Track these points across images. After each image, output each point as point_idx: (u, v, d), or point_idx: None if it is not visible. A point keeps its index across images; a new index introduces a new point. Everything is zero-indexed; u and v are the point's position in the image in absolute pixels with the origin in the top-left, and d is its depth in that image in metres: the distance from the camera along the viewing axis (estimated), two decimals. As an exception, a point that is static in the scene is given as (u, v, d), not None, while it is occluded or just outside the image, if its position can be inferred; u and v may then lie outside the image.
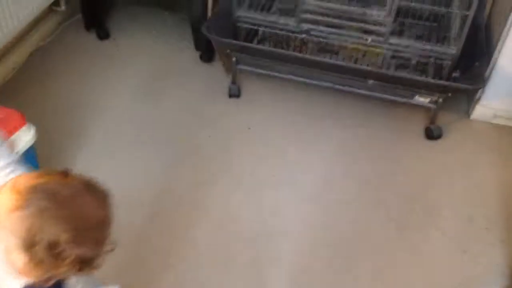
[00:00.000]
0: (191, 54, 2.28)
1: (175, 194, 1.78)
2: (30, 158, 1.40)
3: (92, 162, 1.81)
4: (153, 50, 2.31)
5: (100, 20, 2.36)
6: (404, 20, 1.99)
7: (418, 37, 1.97)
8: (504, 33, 1.84)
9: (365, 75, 1.89)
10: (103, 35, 2.35)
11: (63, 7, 2.30)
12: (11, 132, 1.35)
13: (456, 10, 1.86)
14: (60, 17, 2.36)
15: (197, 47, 2.27)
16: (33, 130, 1.41)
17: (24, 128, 1.38)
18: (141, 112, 2.04)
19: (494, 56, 1.90)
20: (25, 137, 1.38)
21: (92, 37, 2.35)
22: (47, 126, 1.81)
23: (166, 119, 2.03)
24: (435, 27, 2.08)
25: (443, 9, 1.89)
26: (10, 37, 2.00)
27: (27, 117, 1.45)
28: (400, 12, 1.91)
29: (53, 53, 2.26)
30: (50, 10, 2.29)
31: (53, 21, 2.34)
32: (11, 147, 1.32)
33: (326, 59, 1.95)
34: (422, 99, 1.92)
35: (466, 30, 1.70)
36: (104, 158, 1.85)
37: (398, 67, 2.04)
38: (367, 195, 1.81)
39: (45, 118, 1.90)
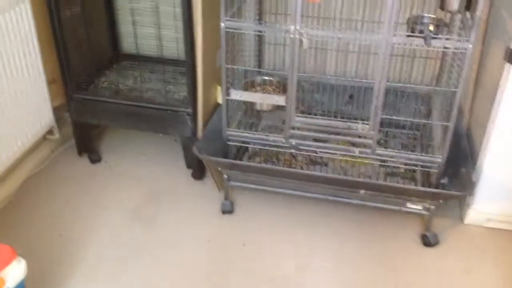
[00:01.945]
0: (183, 173, 2.31)
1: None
2: (20, 293, 1.35)
3: (83, 291, 1.75)
4: (145, 171, 2.35)
5: (92, 144, 2.42)
6: (387, 129, 2.08)
7: (404, 146, 2.04)
8: (485, 139, 1.91)
9: (355, 186, 1.92)
10: (95, 158, 2.39)
11: (56, 135, 2.37)
12: (0, 267, 1.31)
13: (436, 122, 1.94)
14: (54, 144, 2.42)
15: (189, 165, 2.31)
16: (24, 264, 1.38)
17: (14, 262, 1.35)
18: (135, 235, 2.02)
19: (479, 161, 1.95)
20: (16, 271, 1.34)
21: (84, 161, 2.39)
22: (38, 256, 1.77)
23: (161, 240, 2.00)
24: (417, 136, 2.17)
25: (423, 121, 1.97)
26: (3, 168, 2.03)
27: (18, 248, 1.43)
28: (383, 123, 2.00)
29: (45, 180, 2.28)
30: (44, 138, 2.35)
31: (46, 148, 2.39)
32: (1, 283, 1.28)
33: (316, 172, 1.99)
34: (414, 206, 1.94)
35: (448, 140, 1.77)
36: (98, 284, 1.79)
37: (388, 175, 2.08)
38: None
39: (37, 247, 1.87)
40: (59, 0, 2.06)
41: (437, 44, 1.62)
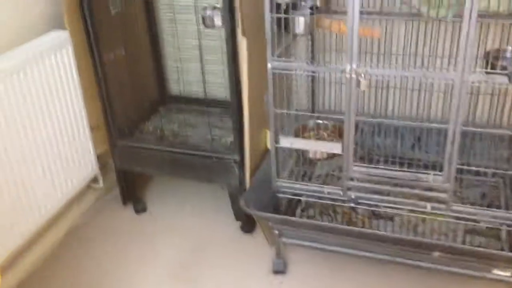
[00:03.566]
0: (231, 226, 2.11)
1: None
2: None
3: None
4: (191, 223, 2.17)
5: (136, 194, 2.29)
6: (462, 176, 1.78)
7: (484, 197, 1.73)
8: None
9: (428, 247, 1.63)
10: (140, 209, 2.25)
11: (101, 184, 2.26)
12: None
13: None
14: (98, 193, 2.31)
15: (237, 217, 2.11)
16: None
17: None
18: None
19: None
20: None
21: (129, 211, 2.26)
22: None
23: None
24: (499, 184, 1.85)
25: (507, 172, 1.66)
26: (46, 219, 1.93)
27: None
28: (458, 169, 1.71)
29: (89, 231, 2.16)
30: (88, 187, 2.25)
31: (90, 197, 2.28)
32: None
33: (379, 231, 1.72)
34: (502, 273, 1.61)
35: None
36: None
37: (467, 232, 1.77)
38: None
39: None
40: (101, 43, 1.97)
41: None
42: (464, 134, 1.77)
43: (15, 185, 1.77)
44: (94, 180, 2.25)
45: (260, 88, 1.89)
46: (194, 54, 2.25)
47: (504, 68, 1.38)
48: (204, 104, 2.22)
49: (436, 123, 1.77)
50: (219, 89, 2.27)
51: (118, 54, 2.10)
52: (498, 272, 1.61)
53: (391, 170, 1.65)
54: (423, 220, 1.79)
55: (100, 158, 2.24)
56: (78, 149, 2.08)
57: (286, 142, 1.73)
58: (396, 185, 1.65)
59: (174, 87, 2.42)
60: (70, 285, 1.90)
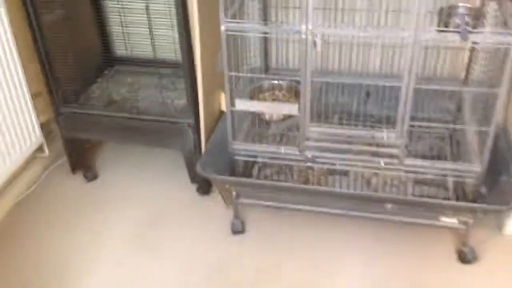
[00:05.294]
0: (187, 190, 2.10)
1: None
2: None
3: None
4: (145, 189, 2.13)
5: (86, 162, 2.21)
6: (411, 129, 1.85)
7: (432, 150, 1.81)
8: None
9: (381, 200, 1.70)
10: (91, 176, 2.18)
11: (47, 153, 2.15)
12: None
13: (472, 127, 1.71)
14: (45, 163, 2.21)
15: (193, 180, 2.09)
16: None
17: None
18: (137, 266, 1.81)
19: (520, 165, 1.72)
20: None
21: (79, 179, 2.18)
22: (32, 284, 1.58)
23: (165, 270, 1.79)
24: (445, 135, 1.94)
25: (456, 126, 1.74)
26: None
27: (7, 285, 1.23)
28: (411, 131, 1.76)
29: (37, 202, 2.08)
30: (34, 157, 2.14)
31: (37, 168, 2.18)
32: None
33: (335, 189, 1.77)
34: (449, 220, 1.72)
35: (488, 148, 1.54)
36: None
37: (417, 183, 1.85)
38: None
39: (29, 283, 1.68)
40: (37, 2, 1.83)
41: (477, 39, 1.38)
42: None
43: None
44: (40, 149, 2.14)
45: (213, 49, 1.84)
46: (141, 13, 2.14)
47: (456, 25, 1.41)
48: (153, 65, 2.14)
49: (389, 79, 1.80)
50: (170, 50, 2.18)
51: (58, 14, 1.96)
52: (446, 220, 1.71)
53: (346, 129, 1.68)
54: (376, 174, 1.85)
55: (45, 126, 2.13)
56: (19, 118, 1.97)
57: (242, 104, 1.71)
58: (351, 143, 1.69)
59: (121, 49, 2.31)
60: (18, 259, 1.84)
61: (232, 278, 1.76)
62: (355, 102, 1.92)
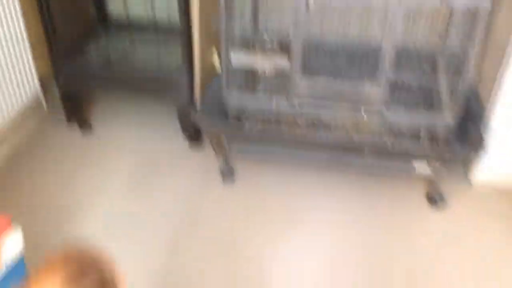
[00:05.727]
0: (178, 140, 2.21)
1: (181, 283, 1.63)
2: (19, 265, 1.26)
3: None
4: (138, 142, 2.24)
5: (81, 114, 2.30)
6: (394, 94, 2.00)
7: (410, 108, 1.96)
8: (494, 95, 1.85)
9: (360, 146, 1.85)
10: (86, 130, 2.28)
11: (44, 105, 2.24)
12: (-3, 239, 1.21)
13: (445, 81, 1.87)
14: (41, 115, 2.29)
15: (185, 131, 2.21)
16: (20, 234, 1.28)
17: (10, 232, 1.25)
18: (131, 210, 1.92)
19: (488, 118, 1.90)
20: (13, 243, 1.25)
21: (74, 133, 2.27)
22: (32, 227, 1.67)
23: (159, 213, 1.91)
24: (422, 98, 2.10)
25: (432, 83, 1.90)
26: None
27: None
28: (392, 87, 1.91)
29: (34, 152, 2.16)
30: (31, 109, 2.23)
31: (33, 120, 2.26)
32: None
33: (319, 133, 1.92)
34: (421, 167, 1.88)
35: (459, 100, 1.71)
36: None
37: (392, 137, 2.01)
38: (372, 272, 1.70)
39: (31, 219, 1.77)
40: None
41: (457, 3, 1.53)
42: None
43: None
44: (37, 101, 2.23)
45: (209, 5, 1.96)
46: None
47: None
48: (150, 23, 2.23)
49: (373, 42, 1.96)
50: (166, 9, 2.28)
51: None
52: (419, 168, 1.88)
53: (332, 82, 1.83)
54: (358, 130, 2.00)
55: (42, 79, 2.21)
56: (18, 68, 2.04)
57: (235, 58, 1.84)
58: (336, 95, 1.83)
59: (119, 7, 2.38)
60: (14, 206, 1.92)
61: (222, 216, 1.89)
62: (341, 62, 2.05)
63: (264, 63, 1.85)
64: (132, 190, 2.01)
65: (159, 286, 1.67)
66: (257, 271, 1.71)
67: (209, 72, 2.14)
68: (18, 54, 2.03)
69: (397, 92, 1.95)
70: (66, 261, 0.86)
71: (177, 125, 2.20)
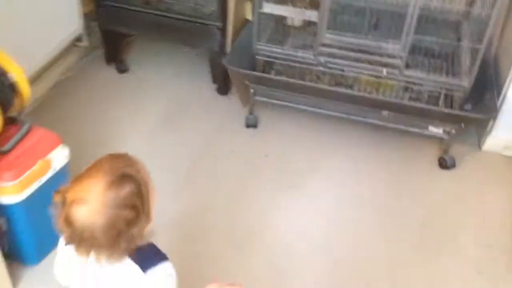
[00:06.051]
0: (208, 88, 2.35)
1: (194, 218, 1.81)
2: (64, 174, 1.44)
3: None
4: (171, 84, 2.38)
5: (120, 54, 2.45)
6: (416, 57, 2.08)
7: (429, 69, 2.05)
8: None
9: (380, 105, 1.96)
10: (123, 69, 2.43)
11: (85, 42, 2.39)
12: (47, 151, 1.39)
13: (466, 43, 1.94)
14: (82, 51, 2.44)
15: (215, 80, 2.34)
16: (67, 150, 1.45)
17: (59, 148, 1.42)
18: (161, 144, 2.09)
19: (504, 89, 1.97)
20: (61, 156, 1.42)
21: (112, 71, 2.43)
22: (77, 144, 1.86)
23: (186, 149, 2.07)
24: (445, 64, 2.17)
25: (454, 42, 1.97)
26: (35, 69, 2.07)
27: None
28: (414, 49, 1.99)
29: (75, 86, 2.33)
30: (73, 45, 2.38)
31: (75, 55, 2.42)
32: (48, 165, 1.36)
33: (342, 89, 2.02)
34: (435, 130, 1.99)
35: (478, 63, 1.79)
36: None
37: (412, 99, 2.11)
38: (382, 221, 1.84)
39: (75, 137, 1.95)
40: None
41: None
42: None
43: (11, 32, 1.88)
44: (79, 39, 2.38)
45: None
46: None
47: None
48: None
49: (400, 3, 2.03)
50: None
51: None
52: (433, 129, 1.99)
53: (357, 38, 1.92)
54: (377, 88, 2.10)
55: (85, 17, 2.35)
56: (64, 5, 2.18)
57: (268, 7, 1.94)
58: (360, 51, 1.93)
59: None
60: (63, 124, 2.06)
61: (243, 157, 2.05)
62: (367, 21, 2.13)
63: (294, 15, 1.96)
64: (165, 126, 2.17)
65: (170, 205, 1.83)
66: (258, 215, 1.86)
67: (242, 22, 2.25)
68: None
69: (418, 54, 2.04)
70: (111, 168, 0.95)
71: (209, 72, 2.34)
